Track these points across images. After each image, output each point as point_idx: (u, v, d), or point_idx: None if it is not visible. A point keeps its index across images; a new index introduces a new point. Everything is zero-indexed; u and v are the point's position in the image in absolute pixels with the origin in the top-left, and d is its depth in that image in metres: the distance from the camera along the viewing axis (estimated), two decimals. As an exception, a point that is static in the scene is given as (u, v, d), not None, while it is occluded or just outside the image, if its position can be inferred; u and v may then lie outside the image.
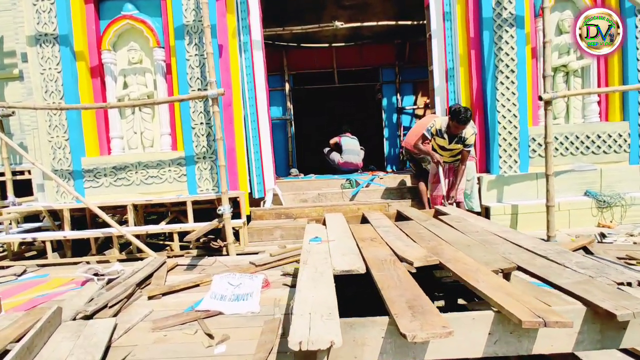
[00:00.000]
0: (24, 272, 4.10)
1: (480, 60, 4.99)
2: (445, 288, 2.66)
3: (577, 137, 5.00)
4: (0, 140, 4.79)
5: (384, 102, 8.56)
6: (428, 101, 8.01)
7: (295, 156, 8.47)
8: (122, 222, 5.01)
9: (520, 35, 4.83)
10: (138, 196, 4.79)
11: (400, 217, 3.65)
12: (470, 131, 4.19)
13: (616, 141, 5.01)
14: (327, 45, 8.34)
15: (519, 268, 1.93)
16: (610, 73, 5.04)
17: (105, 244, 4.81)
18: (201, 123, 4.73)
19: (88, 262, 4.36)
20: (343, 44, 8.36)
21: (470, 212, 4.13)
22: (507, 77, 4.85)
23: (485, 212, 4.83)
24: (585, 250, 3.68)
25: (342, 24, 7.13)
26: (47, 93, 4.66)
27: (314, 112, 9.79)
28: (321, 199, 5.71)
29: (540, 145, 4.87)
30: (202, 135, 4.74)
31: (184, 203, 4.66)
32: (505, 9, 4.79)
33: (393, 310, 1.46)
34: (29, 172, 6.25)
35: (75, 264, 4.37)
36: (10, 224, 4.79)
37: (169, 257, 4.29)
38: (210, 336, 2.37)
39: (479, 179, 4.93)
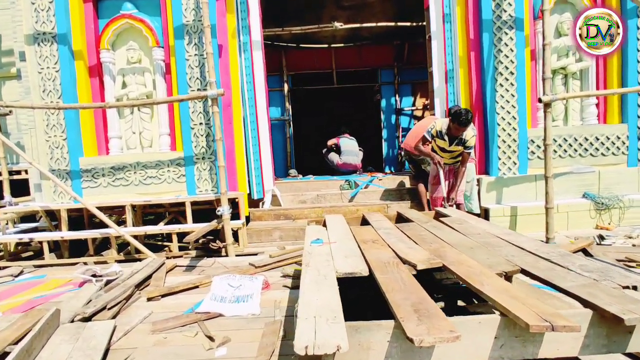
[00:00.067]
0: (21, 272, 4.06)
1: (479, 62, 5.00)
2: (445, 290, 2.65)
3: (576, 140, 5.01)
4: (-3, 140, 4.74)
5: (383, 103, 8.57)
6: (427, 102, 8.03)
7: (294, 157, 8.45)
8: (120, 223, 4.96)
9: (520, 37, 4.84)
10: (136, 196, 4.76)
11: (400, 218, 3.64)
12: (471, 133, 4.19)
13: (614, 143, 5.03)
14: (326, 45, 8.33)
15: (523, 271, 1.92)
16: (609, 75, 5.07)
17: (103, 245, 4.77)
18: (200, 123, 4.71)
19: (86, 263, 4.33)
20: (342, 45, 8.36)
21: (469, 213, 4.13)
22: (507, 79, 4.86)
23: (485, 214, 4.83)
24: (585, 252, 3.68)
25: (341, 25, 7.13)
26: (45, 92, 4.62)
27: (313, 113, 9.77)
28: (320, 200, 5.70)
29: (539, 147, 4.89)
30: (202, 135, 4.72)
31: (182, 204, 4.65)
32: (505, 11, 4.80)
33: (399, 314, 1.44)
34: (26, 171, 6.19)
35: (73, 264, 4.33)
36: (6, 224, 4.75)
37: (167, 258, 4.27)
38: (211, 338, 2.35)
39: (478, 180, 4.94)
